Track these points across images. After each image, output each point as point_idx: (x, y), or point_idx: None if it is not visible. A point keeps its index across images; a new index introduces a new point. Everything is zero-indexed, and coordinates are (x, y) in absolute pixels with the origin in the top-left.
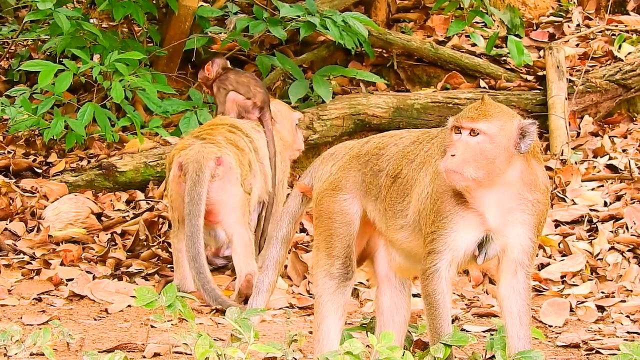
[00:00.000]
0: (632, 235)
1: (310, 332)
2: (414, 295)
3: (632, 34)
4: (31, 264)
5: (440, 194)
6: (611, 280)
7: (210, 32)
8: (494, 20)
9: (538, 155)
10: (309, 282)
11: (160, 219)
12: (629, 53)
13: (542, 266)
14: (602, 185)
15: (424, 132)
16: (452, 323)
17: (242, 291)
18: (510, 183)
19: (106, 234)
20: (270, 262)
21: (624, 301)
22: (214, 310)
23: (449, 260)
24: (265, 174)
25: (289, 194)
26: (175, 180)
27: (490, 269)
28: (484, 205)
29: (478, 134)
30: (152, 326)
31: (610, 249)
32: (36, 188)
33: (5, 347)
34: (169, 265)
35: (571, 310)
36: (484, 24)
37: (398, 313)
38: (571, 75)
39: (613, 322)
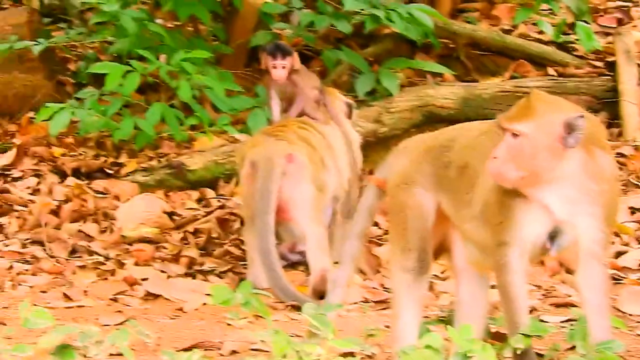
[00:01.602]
0: None
1: (387, 326)
2: (493, 287)
3: None
4: (105, 264)
5: (501, 185)
6: None
7: (275, 28)
8: (561, 7)
9: (603, 144)
10: (383, 276)
11: (232, 217)
12: None
13: (619, 254)
14: None
15: (493, 122)
16: (530, 314)
17: (316, 287)
18: (570, 176)
19: (178, 233)
20: (346, 256)
21: None
22: (290, 307)
23: (518, 252)
24: (340, 170)
25: (362, 188)
26: (247, 177)
27: (567, 258)
28: (545, 199)
29: (517, 135)
30: (228, 324)
31: None
32: (108, 189)
33: (84, 348)
34: (242, 263)
35: None
36: (550, 10)
37: (477, 305)
38: None
39: None
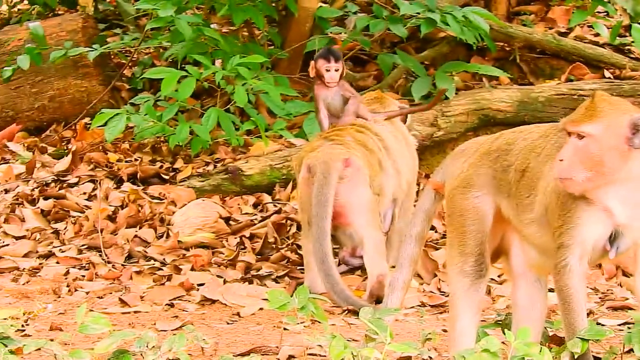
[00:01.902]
0: None
1: (444, 330)
2: (550, 290)
3: None
4: (162, 270)
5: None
6: None
7: (331, 32)
8: (616, 9)
9: None
10: (440, 279)
11: (288, 221)
12: None
13: None
14: None
15: (553, 125)
16: (587, 317)
17: (373, 292)
18: (635, 178)
19: (235, 238)
20: (404, 259)
21: None
22: (346, 311)
23: (578, 255)
24: (399, 172)
25: (418, 191)
26: (304, 182)
27: (624, 261)
28: (608, 201)
29: (583, 137)
30: (285, 328)
31: None
32: (164, 194)
33: (141, 354)
34: (298, 267)
35: None
36: (606, 13)
37: (534, 309)
38: None
39: None
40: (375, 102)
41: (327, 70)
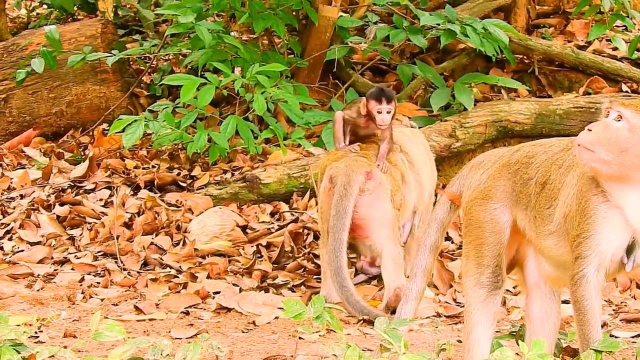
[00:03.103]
0: None
1: (459, 341)
2: (563, 302)
3: None
4: (178, 277)
5: (584, 192)
6: None
7: (351, 42)
8: (635, 24)
9: None
10: (455, 290)
11: (305, 230)
12: None
13: None
14: None
15: (574, 139)
16: (601, 329)
17: (390, 304)
18: None
19: (251, 246)
20: (418, 269)
21: None
22: (362, 321)
23: (596, 265)
24: (422, 185)
25: (435, 202)
26: (325, 192)
27: (638, 274)
28: (626, 204)
29: (621, 119)
30: (300, 338)
31: None
32: (181, 202)
33: None
34: (315, 277)
35: None
36: (624, 27)
37: (548, 320)
38: None
39: None
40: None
41: (379, 112)
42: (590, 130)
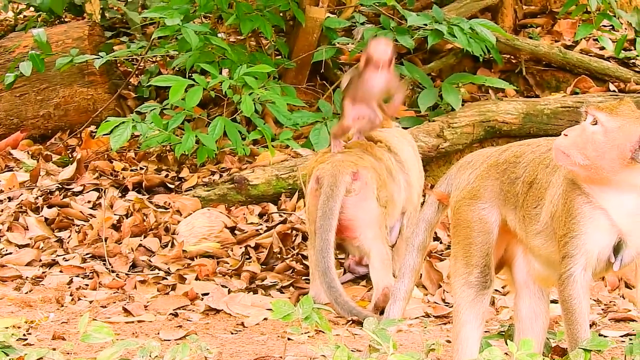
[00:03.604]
0: None
1: (448, 341)
2: (552, 302)
3: None
4: (166, 279)
5: (569, 192)
6: None
7: (338, 43)
8: (622, 23)
9: None
10: (444, 290)
11: (294, 231)
12: None
13: None
14: None
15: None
16: (590, 328)
17: (378, 304)
18: (637, 187)
19: (240, 248)
20: (406, 269)
21: None
22: (351, 322)
23: (583, 264)
24: (411, 186)
25: (423, 202)
26: (312, 193)
27: (626, 273)
28: (610, 206)
29: (597, 123)
30: (289, 338)
31: None
32: (169, 203)
33: None
34: (303, 278)
35: None
36: (611, 26)
37: (537, 320)
38: None
39: None
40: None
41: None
42: (567, 135)
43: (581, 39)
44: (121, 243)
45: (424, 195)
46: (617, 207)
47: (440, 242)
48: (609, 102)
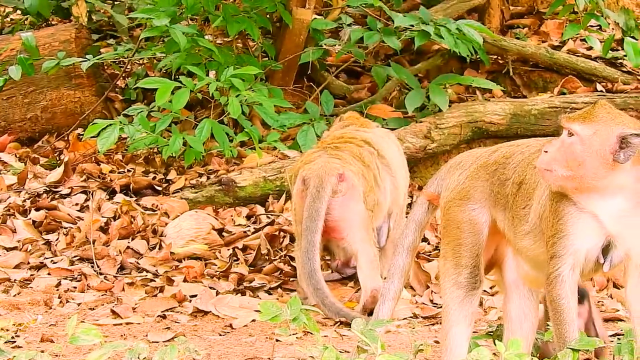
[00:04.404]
0: None
1: (436, 342)
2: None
3: None
4: (154, 281)
5: (556, 194)
6: None
7: (325, 44)
8: (609, 23)
9: None
10: (432, 291)
11: (282, 233)
12: None
13: None
14: None
15: (549, 140)
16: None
17: (367, 306)
18: (624, 189)
19: (228, 250)
20: (395, 270)
21: None
22: (339, 323)
23: (571, 264)
24: (397, 187)
25: (411, 203)
26: (298, 194)
27: (615, 273)
28: (598, 210)
29: (572, 134)
30: (277, 340)
31: None
32: (157, 206)
33: None
34: (292, 279)
35: None
36: (598, 27)
37: (526, 320)
38: None
39: None
40: (354, 124)
41: None
42: (546, 151)
43: (568, 39)
44: (109, 245)
45: (410, 196)
46: (605, 210)
47: (428, 243)
48: (583, 109)
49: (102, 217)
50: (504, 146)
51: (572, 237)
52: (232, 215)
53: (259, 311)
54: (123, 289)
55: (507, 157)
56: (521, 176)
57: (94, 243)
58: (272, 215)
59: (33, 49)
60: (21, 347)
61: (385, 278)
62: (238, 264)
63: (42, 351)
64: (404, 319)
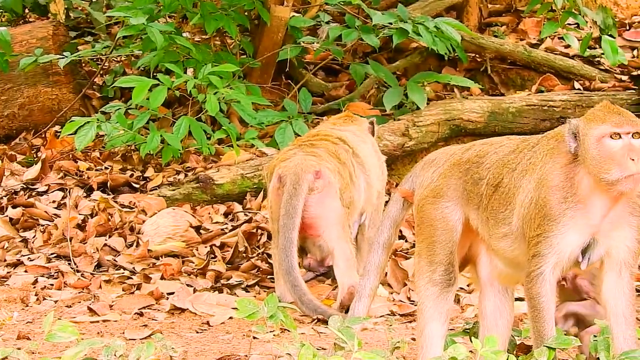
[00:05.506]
0: None
1: (413, 339)
2: (517, 299)
3: None
4: (131, 278)
5: (546, 200)
6: None
7: (303, 42)
8: (587, 21)
9: None
10: (409, 289)
11: (259, 230)
12: None
13: None
14: None
15: (524, 139)
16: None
17: (344, 303)
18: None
19: (205, 247)
20: (371, 267)
21: None
22: (316, 320)
23: (553, 263)
24: (371, 186)
25: (387, 201)
26: (274, 191)
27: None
28: (590, 207)
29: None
30: (254, 337)
31: None
32: (134, 203)
33: None
34: (269, 276)
35: None
36: (576, 25)
37: (501, 317)
38: None
39: None
40: (346, 122)
41: None
42: (633, 159)
43: (546, 37)
44: (86, 243)
45: (387, 194)
46: (599, 207)
47: (406, 241)
48: (616, 112)
49: (80, 214)
50: (477, 144)
51: (560, 236)
52: (209, 213)
53: (236, 308)
54: (100, 287)
55: (480, 157)
56: (497, 178)
57: (71, 240)
58: (249, 212)
59: (7, 44)
60: None
61: (361, 275)
62: (215, 261)
63: (19, 348)
64: (381, 316)
